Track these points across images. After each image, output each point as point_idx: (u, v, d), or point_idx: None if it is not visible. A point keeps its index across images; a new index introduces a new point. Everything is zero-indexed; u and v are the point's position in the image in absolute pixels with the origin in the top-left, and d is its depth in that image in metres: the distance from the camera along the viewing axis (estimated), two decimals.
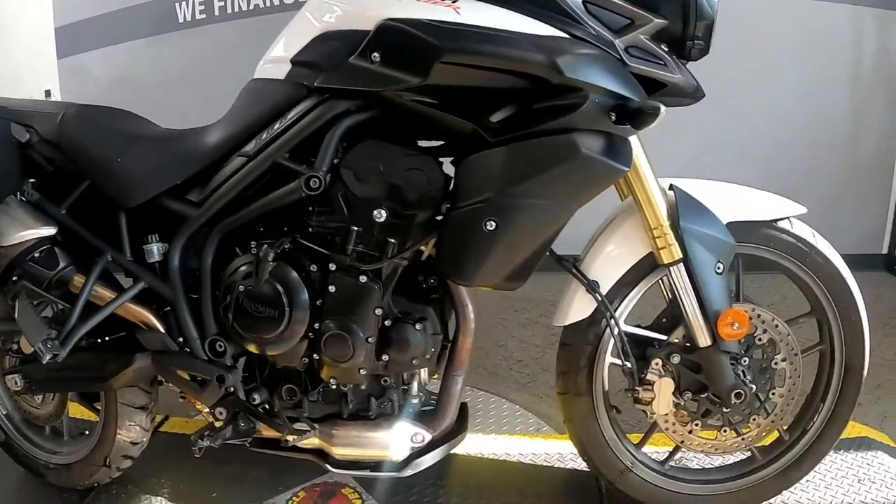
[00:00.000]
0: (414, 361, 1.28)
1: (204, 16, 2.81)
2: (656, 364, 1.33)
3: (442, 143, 1.29)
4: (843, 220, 3.01)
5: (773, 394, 1.39)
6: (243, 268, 1.28)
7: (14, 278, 1.32)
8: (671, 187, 1.30)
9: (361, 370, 1.27)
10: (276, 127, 1.22)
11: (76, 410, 1.67)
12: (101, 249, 1.33)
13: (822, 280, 1.38)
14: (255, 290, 1.25)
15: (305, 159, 1.21)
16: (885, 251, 3.11)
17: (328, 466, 1.37)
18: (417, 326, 1.26)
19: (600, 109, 1.09)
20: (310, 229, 1.26)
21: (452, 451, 1.69)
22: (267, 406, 1.37)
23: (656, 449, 1.55)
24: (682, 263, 1.27)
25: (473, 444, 1.72)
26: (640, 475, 1.47)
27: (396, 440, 1.32)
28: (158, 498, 1.58)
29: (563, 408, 1.44)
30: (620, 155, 1.14)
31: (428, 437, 1.34)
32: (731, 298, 1.31)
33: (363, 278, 1.22)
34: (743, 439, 1.42)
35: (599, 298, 1.32)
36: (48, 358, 1.22)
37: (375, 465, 1.36)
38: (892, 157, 3.02)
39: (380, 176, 1.18)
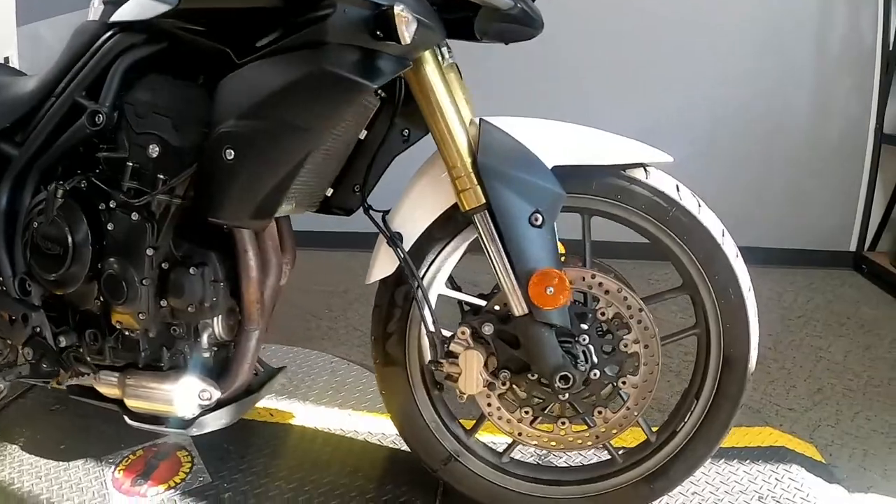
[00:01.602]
0: (190, 309, 1.11)
1: None
2: (463, 333, 1.06)
3: None
4: (808, 214, 2.64)
5: (625, 382, 1.09)
6: (40, 206, 1.17)
7: None
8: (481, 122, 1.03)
9: (140, 314, 1.12)
10: (77, 65, 1.13)
11: None
12: None
13: (689, 246, 1.05)
14: (45, 227, 1.15)
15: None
16: (852, 248, 2.63)
17: (126, 418, 1.22)
18: (192, 271, 1.09)
19: (352, 21, 0.89)
20: (100, 167, 1.14)
21: (304, 424, 1.50)
22: (78, 351, 1.25)
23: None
24: (485, 211, 1.00)
25: (326, 418, 1.50)
26: (469, 466, 1.19)
27: (183, 396, 1.14)
28: (14, 446, 1.47)
29: (378, 379, 1.20)
30: (370, 71, 0.90)
31: (216, 395, 1.15)
32: (556, 259, 1.01)
33: (135, 216, 1.09)
34: (589, 436, 1.12)
35: (401, 254, 1.07)
36: None
37: (170, 421, 1.20)
38: (862, 148, 2.52)
39: (155, 110, 1.06)
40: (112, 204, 1.11)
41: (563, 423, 1.11)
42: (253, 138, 0.95)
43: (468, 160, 0.99)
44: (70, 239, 1.13)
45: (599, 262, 1.15)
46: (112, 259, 1.11)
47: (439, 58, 1.01)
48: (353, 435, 1.43)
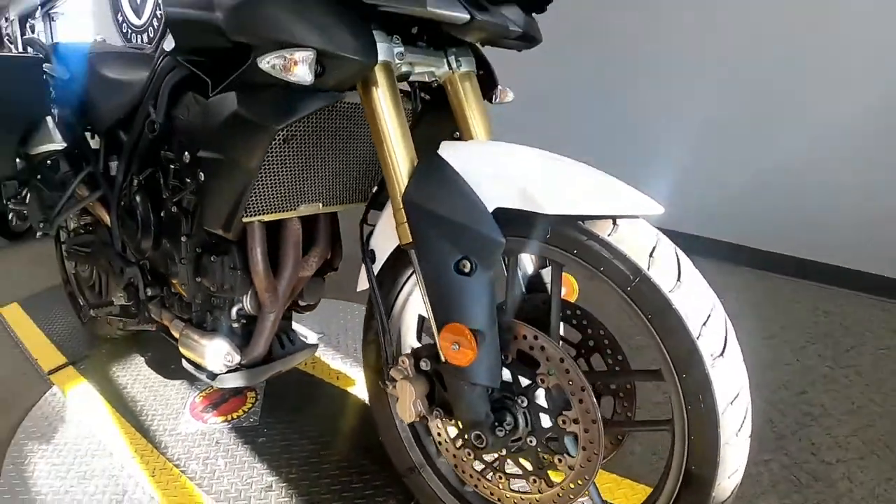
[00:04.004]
0: (212, 288, 1.25)
1: None
2: (403, 362, 1.01)
3: None
4: None
5: (561, 460, 0.92)
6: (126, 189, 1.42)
7: (38, 176, 1.62)
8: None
9: (183, 285, 1.31)
10: (146, 81, 1.28)
11: None
12: (87, 162, 1.55)
13: (656, 329, 0.82)
14: (127, 206, 1.40)
15: None
16: None
17: (182, 360, 1.43)
18: (212, 258, 1.22)
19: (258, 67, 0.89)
20: (162, 165, 1.31)
21: (358, 393, 1.58)
22: (162, 301, 1.47)
23: None
24: (415, 249, 0.92)
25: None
26: (429, 483, 1.15)
27: (212, 353, 1.29)
28: (141, 359, 1.79)
29: (365, 378, 1.21)
30: (277, 112, 0.91)
31: (237, 359, 1.30)
32: (480, 312, 0.87)
33: (174, 209, 1.26)
34: (523, 500, 0.99)
35: (371, 274, 1.05)
36: (39, 234, 1.59)
37: (205, 372, 1.36)
38: None
39: (187, 125, 1.18)
40: (164, 196, 1.30)
41: (501, 478, 1.01)
42: (210, 167, 1.03)
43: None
44: (140, 219, 1.36)
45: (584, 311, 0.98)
46: (165, 240, 1.33)
47: (393, 75, 0.94)
48: None
